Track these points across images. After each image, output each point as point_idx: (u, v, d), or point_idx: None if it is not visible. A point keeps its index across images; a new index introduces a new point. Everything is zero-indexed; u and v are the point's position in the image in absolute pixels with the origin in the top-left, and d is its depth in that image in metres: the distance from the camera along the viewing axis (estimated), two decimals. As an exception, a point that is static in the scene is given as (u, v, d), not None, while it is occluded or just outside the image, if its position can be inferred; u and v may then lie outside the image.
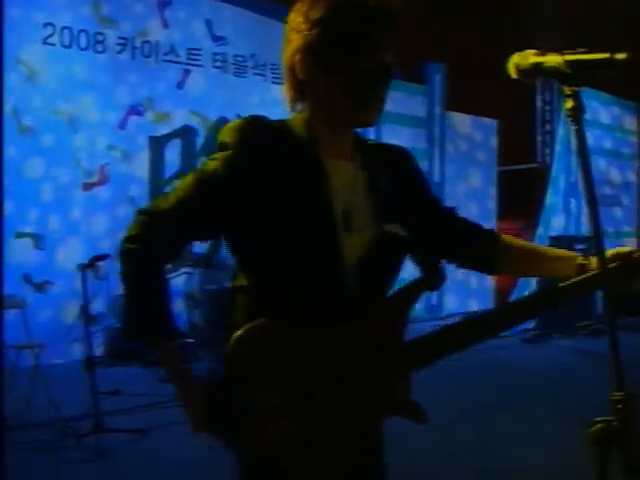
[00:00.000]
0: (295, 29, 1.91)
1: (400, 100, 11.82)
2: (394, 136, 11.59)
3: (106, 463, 5.07)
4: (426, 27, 11.96)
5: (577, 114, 1.71)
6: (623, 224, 13.78)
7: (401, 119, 11.79)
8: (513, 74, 1.83)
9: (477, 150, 13.20)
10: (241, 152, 1.85)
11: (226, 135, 1.88)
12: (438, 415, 6.43)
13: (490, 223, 13.36)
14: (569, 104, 1.71)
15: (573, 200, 11.99)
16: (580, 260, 2.00)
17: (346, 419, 1.84)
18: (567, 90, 1.72)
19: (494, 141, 13.46)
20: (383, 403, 1.90)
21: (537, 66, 1.78)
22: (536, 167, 14.26)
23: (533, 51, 1.81)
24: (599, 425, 1.65)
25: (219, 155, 1.87)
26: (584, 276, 1.94)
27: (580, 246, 10.92)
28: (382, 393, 1.89)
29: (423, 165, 12.18)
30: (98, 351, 6.96)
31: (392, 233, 1.95)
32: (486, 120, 13.27)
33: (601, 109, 12.97)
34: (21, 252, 7.86)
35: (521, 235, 13.01)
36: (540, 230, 11.46)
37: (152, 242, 1.89)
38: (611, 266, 1.89)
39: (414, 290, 1.95)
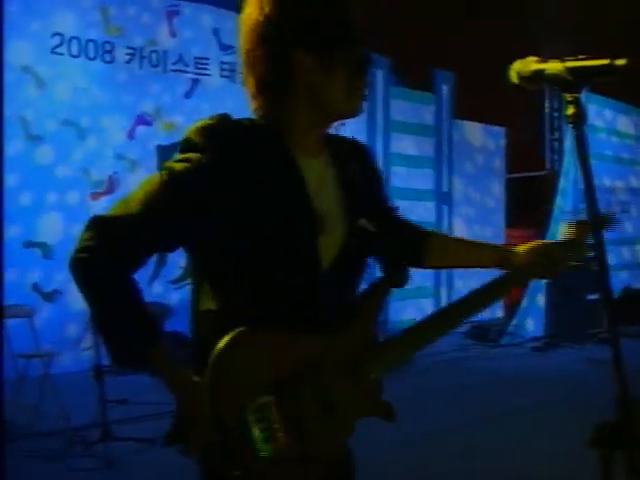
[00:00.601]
0: (273, 25, 1.86)
1: (408, 108, 11.85)
2: (402, 144, 11.65)
3: (114, 472, 5.08)
4: (433, 35, 12.00)
5: (578, 120, 1.72)
6: (633, 231, 13.74)
7: (409, 127, 11.82)
8: (515, 81, 1.85)
9: (486, 158, 13.21)
10: (214, 152, 1.81)
11: (196, 135, 1.83)
12: (449, 420, 6.47)
13: (499, 230, 13.38)
14: (570, 110, 1.72)
15: (582, 207, 11.95)
16: (504, 250, 2.29)
17: (329, 424, 1.85)
18: (568, 97, 1.73)
19: (503, 148, 13.47)
20: (362, 405, 1.94)
21: (538, 73, 1.80)
22: (545, 174, 14.25)
23: (534, 58, 1.83)
24: (602, 427, 1.66)
25: (190, 156, 1.81)
26: (513, 270, 2.23)
27: (589, 254, 10.87)
28: (362, 396, 1.93)
29: (431, 173, 12.20)
30: (106, 360, 6.96)
31: (361, 230, 1.98)
32: (494, 128, 13.29)
33: (602, 114, 12.92)
34: (30, 262, 7.90)
35: (530, 242, 13.00)
36: (549, 237, 11.42)
37: (114, 250, 1.76)
38: (535, 256, 2.25)
39: (380, 291, 1.99)
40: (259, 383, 1.76)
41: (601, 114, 12.93)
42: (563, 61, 1.75)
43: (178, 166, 1.80)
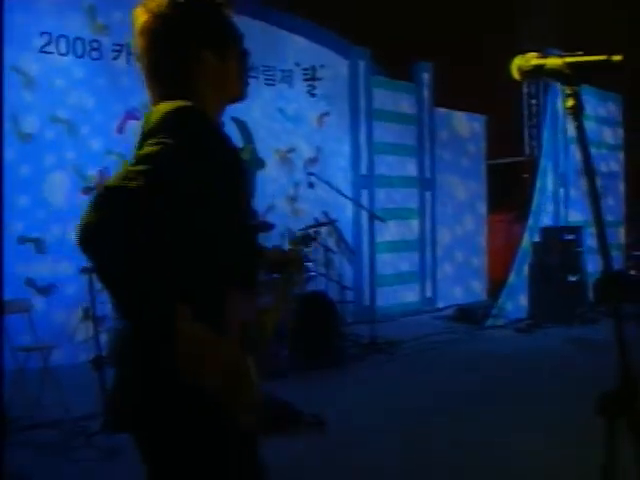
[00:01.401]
0: (174, 27, 2.13)
1: (390, 98, 11.94)
2: (385, 133, 11.75)
3: (115, 462, 5.07)
4: (413, 26, 12.11)
5: (577, 112, 1.86)
6: (612, 214, 13.95)
7: (391, 116, 11.92)
8: (516, 76, 1.97)
9: (466, 145, 13.32)
10: (186, 136, 1.97)
11: (178, 117, 2.01)
12: (436, 404, 6.54)
13: (481, 216, 13.53)
14: (570, 103, 1.85)
15: (562, 191, 12.13)
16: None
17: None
18: (568, 89, 1.86)
19: (483, 136, 13.59)
20: (263, 361, 2.17)
21: (539, 68, 1.92)
22: (524, 160, 14.40)
23: (535, 54, 1.95)
24: (606, 395, 1.80)
25: (167, 139, 1.93)
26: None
27: (569, 236, 11.08)
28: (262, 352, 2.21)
29: (413, 160, 12.33)
30: (105, 350, 7.03)
31: None
32: (475, 115, 13.40)
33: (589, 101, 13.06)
34: (24, 257, 7.96)
35: (512, 227, 13.17)
36: (530, 221, 11.58)
37: (122, 218, 1.78)
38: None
39: None
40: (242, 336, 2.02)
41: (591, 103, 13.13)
42: (562, 56, 1.90)
43: (171, 142, 1.92)
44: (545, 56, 1.93)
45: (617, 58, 1.81)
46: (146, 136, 1.98)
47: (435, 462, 5.15)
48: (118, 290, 1.81)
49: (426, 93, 12.49)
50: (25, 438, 5.52)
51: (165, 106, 2.04)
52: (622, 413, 1.77)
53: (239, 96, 2.30)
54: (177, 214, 1.93)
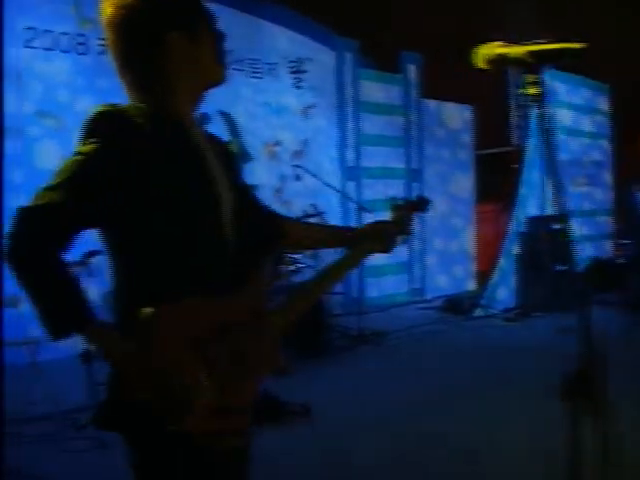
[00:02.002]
0: (141, 16, 2.08)
1: (376, 89, 11.96)
2: (371, 124, 11.78)
3: (108, 452, 5.02)
4: (399, 17, 12.11)
5: (540, 99, 1.90)
6: (597, 204, 14.02)
7: (378, 108, 11.94)
8: (481, 64, 2.02)
9: (454, 135, 13.32)
10: (114, 136, 1.98)
11: (96, 121, 2.00)
12: (426, 395, 6.58)
13: (469, 207, 13.56)
14: (532, 90, 1.90)
15: (549, 180, 12.17)
16: (345, 231, 2.65)
17: (241, 375, 2.02)
18: (530, 78, 1.91)
19: (470, 126, 13.60)
20: (265, 359, 2.14)
21: (502, 56, 1.96)
22: (512, 150, 14.42)
23: (498, 42, 2.00)
24: (568, 378, 1.85)
25: (94, 140, 1.96)
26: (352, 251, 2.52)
27: (557, 225, 11.11)
28: (264, 350, 2.12)
29: (401, 152, 12.35)
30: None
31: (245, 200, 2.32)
32: (462, 106, 13.42)
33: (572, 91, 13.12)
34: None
35: (500, 217, 13.22)
36: (518, 211, 11.63)
37: (38, 235, 1.86)
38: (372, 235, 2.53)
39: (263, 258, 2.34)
40: (184, 342, 1.89)
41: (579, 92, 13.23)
42: (524, 45, 1.94)
43: (85, 150, 1.95)
44: (509, 44, 1.97)
45: (575, 46, 1.85)
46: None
47: (423, 454, 5.19)
48: (33, 305, 1.86)
49: (413, 84, 12.51)
50: (18, 431, 5.50)
51: (89, 113, 2.04)
52: (582, 395, 1.82)
53: (217, 79, 2.20)
54: (122, 219, 1.98)
